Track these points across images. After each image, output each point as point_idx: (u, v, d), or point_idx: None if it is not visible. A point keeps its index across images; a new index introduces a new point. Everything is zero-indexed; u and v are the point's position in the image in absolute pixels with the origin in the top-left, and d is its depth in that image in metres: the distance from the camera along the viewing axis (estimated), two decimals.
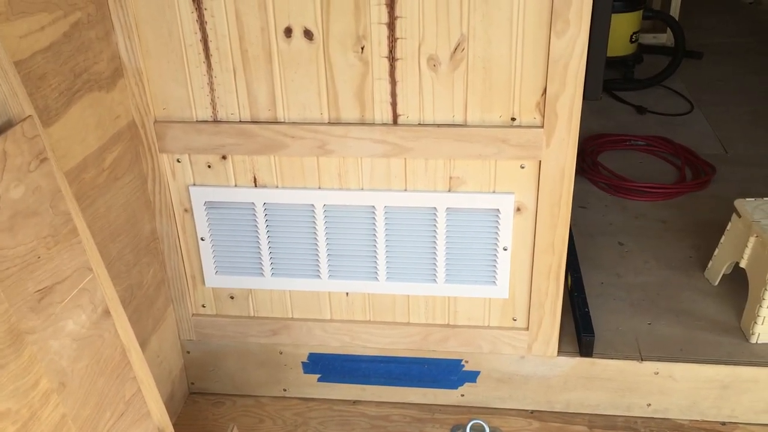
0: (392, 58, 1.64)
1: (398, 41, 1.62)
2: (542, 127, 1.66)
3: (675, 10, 4.23)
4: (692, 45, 4.24)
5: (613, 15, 3.74)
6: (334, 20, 1.61)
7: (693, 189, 2.77)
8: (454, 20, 1.58)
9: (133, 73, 1.69)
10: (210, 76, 1.70)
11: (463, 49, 1.61)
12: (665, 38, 4.33)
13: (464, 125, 1.69)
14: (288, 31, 1.63)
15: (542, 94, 1.63)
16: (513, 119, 1.67)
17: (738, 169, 2.93)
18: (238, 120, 1.74)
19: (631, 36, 3.86)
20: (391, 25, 1.60)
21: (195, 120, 1.75)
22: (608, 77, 3.86)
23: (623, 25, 3.81)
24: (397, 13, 1.59)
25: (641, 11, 3.82)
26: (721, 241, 2.19)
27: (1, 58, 1.17)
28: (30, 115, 1.20)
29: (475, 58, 1.61)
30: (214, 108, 1.73)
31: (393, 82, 1.66)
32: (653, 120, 3.42)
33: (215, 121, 1.75)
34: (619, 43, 3.85)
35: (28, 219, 1.16)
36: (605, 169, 2.90)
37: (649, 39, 4.32)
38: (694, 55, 4.13)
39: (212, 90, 1.71)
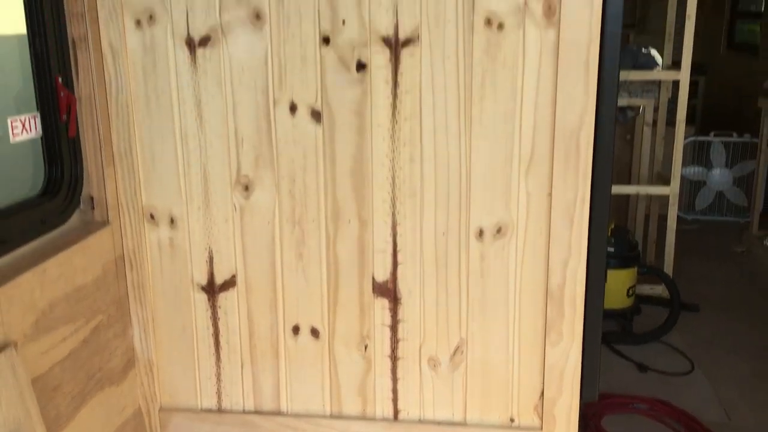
0: (394, 357, 1.70)
1: (400, 342, 1.69)
2: (541, 429, 1.68)
3: (669, 264, 4.39)
4: (688, 295, 4.35)
5: (609, 271, 3.89)
6: (340, 321, 1.70)
7: None
8: (454, 326, 1.66)
9: (145, 364, 1.75)
10: (218, 368, 1.76)
11: (462, 352, 1.68)
12: (661, 290, 4.46)
13: (464, 424, 1.71)
14: (296, 329, 1.72)
15: (540, 398, 1.67)
16: (512, 420, 1.70)
17: None
18: (242, 410, 1.77)
19: (628, 290, 3.99)
20: (394, 328, 1.68)
21: (200, 408, 1.79)
22: (607, 329, 3.93)
23: (619, 280, 3.95)
24: (400, 316, 1.68)
25: (636, 268, 3.98)
26: None
27: (21, 383, 1.23)
28: None
29: (474, 361, 1.68)
30: (219, 398, 1.77)
31: (394, 380, 1.71)
32: (654, 378, 3.43)
33: (219, 410, 1.78)
34: (616, 297, 3.97)
35: None
36: None
37: (645, 290, 4.44)
38: (690, 308, 4.23)
39: (219, 381, 1.77)
